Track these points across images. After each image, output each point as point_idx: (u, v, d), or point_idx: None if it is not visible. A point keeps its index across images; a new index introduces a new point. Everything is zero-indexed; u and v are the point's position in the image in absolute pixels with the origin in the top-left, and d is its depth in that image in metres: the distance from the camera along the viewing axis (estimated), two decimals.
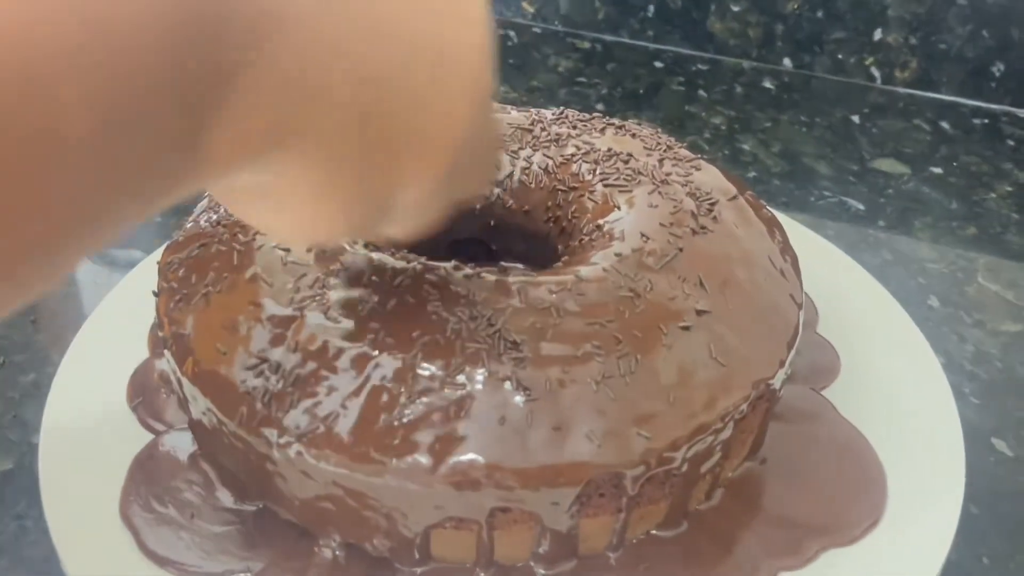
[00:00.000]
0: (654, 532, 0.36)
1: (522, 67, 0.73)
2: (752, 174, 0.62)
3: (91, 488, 0.37)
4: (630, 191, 0.39)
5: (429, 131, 0.26)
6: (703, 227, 0.37)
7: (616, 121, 0.44)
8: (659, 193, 0.39)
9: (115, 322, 0.44)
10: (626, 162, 0.40)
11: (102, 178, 0.19)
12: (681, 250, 0.36)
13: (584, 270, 0.35)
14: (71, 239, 0.20)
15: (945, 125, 0.68)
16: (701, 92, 0.71)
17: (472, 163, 0.29)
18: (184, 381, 0.35)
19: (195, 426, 0.37)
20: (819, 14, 0.71)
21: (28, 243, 0.19)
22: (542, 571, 0.34)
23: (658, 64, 0.75)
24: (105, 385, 0.41)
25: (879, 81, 0.72)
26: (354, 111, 0.24)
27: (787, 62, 0.74)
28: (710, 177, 0.41)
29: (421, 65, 0.25)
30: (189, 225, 0.40)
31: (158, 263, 0.39)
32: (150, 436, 0.39)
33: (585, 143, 0.42)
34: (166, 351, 0.37)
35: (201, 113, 0.21)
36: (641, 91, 0.71)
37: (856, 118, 0.68)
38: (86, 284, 0.51)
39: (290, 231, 0.28)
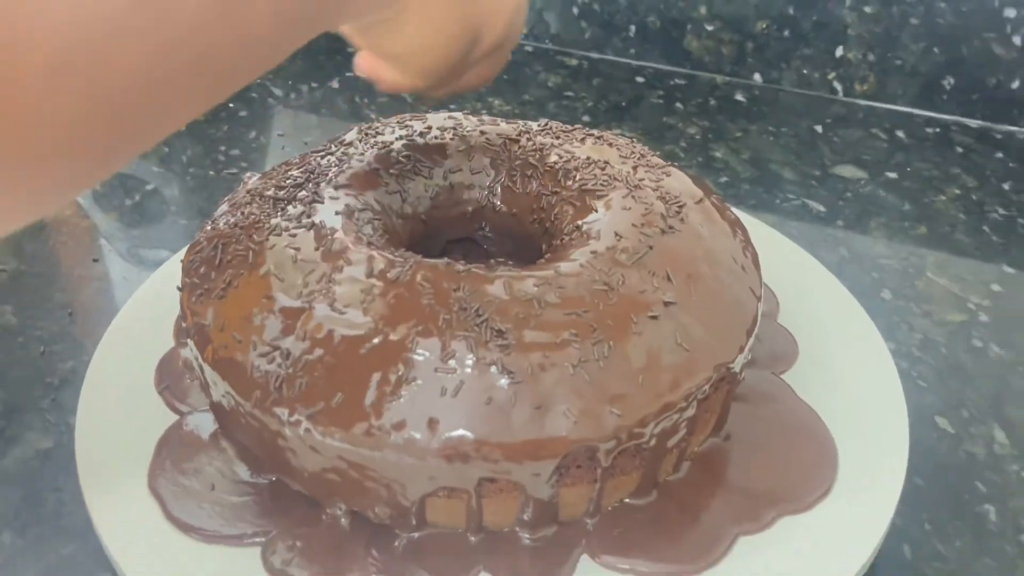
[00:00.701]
0: (627, 500, 0.36)
1: (515, 82, 0.74)
2: (724, 179, 0.62)
3: (122, 463, 0.37)
4: (606, 195, 0.39)
5: None
6: (671, 227, 0.37)
7: (595, 132, 0.45)
8: (632, 197, 0.39)
9: (144, 315, 0.45)
10: (603, 169, 0.41)
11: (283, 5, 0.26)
12: (651, 248, 0.36)
13: (563, 266, 0.35)
14: (256, 60, 0.27)
15: (900, 134, 0.68)
16: (678, 104, 0.71)
17: (514, 36, 0.39)
18: (205, 367, 0.36)
19: (215, 407, 0.38)
20: (786, 33, 0.71)
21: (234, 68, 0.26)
22: (526, 535, 0.35)
23: (639, 79, 0.75)
24: (135, 372, 0.42)
25: (840, 94, 0.72)
26: None
27: (757, 77, 0.74)
28: (679, 182, 0.41)
29: None
30: (209, 227, 0.40)
31: (182, 261, 0.40)
32: (175, 417, 0.40)
33: (567, 152, 0.42)
34: (189, 340, 0.37)
35: None
36: (624, 104, 0.71)
37: (819, 128, 0.68)
38: (117, 280, 0.52)
39: (402, 64, 0.36)
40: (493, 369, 0.32)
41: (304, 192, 0.39)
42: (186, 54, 0.23)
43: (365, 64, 0.37)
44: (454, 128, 0.44)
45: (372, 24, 0.34)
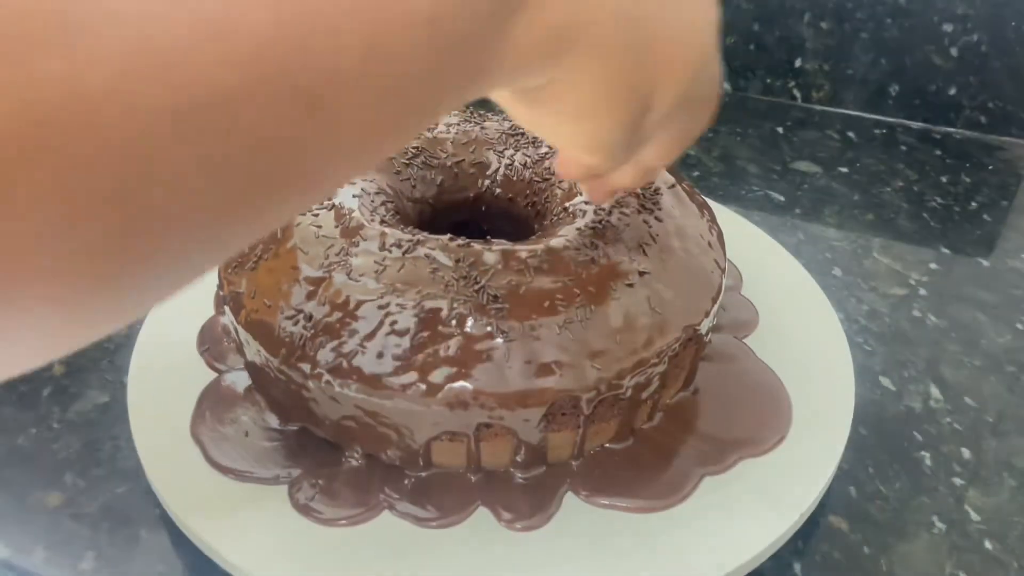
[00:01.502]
0: (607, 445, 0.36)
1: None
2: (696, 173, 0.62)
3: (168, 415, 0.37)
4: None
5: (682, 36, 0.24)
6: (646, 208, 0.37)
7: None
8: None
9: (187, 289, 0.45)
10: None
11: (433, 73, 0.17)
12: (628, 225, 0.36)
13: (552, 241, 0.35)
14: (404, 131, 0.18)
15: (851, 134, 0.67)
16: None
17: (705, 89, 0.27)
18: (239, 329, 0.35)
19: (248, 365, 0.38)
20: (751, 47, 0.70)
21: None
22: (519, 475, 0.35)
23: None
24: (179, 336, 0.42)
25: (799, 100, 0.71)
26: (625, 12, 0.22)
27: (726, 86, 0.73)
28: None
29: None
30: None
31: None
32: (214, 375, 0.40)
33: None
34: (226, 307, 0.37)
35: (512, 16, 0.19)
36: None
37: (780, 129, 0.68)
38: None
39: (568, 138, 0.26)
40: (489, 329, 0.32)
41: None
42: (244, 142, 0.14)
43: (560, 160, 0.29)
44: (458, 124, 0.44)
45: (526, 93, 0.23)
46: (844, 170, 0.62)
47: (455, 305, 0.32)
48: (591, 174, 0.29)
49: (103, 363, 0.44)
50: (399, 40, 0.16)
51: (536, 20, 0.19)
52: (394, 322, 0.32)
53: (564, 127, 0.25)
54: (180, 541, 0.34)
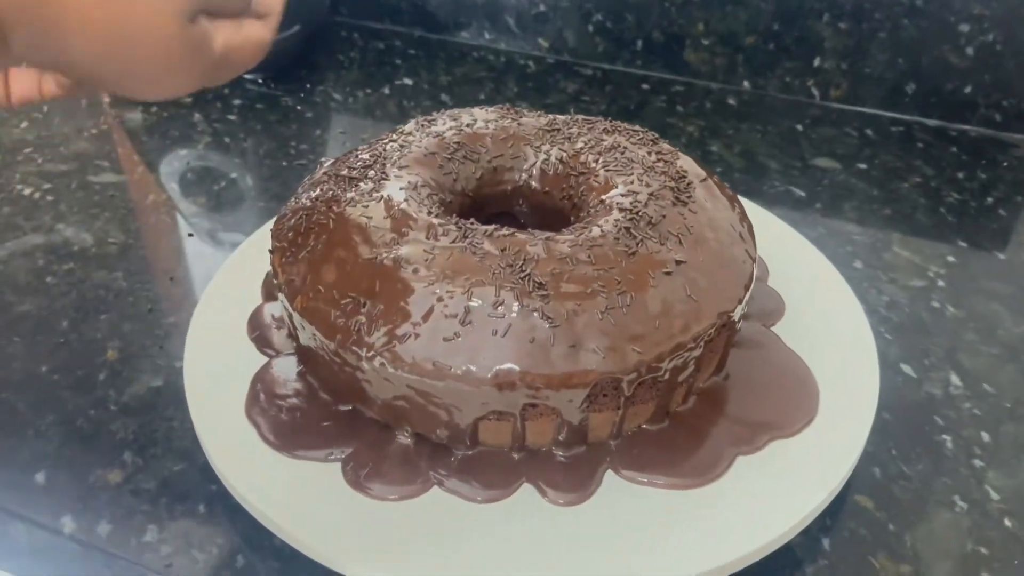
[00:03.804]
0: (644, 426, 0.37)
1: (539, 89, 0.75)
2: (719, 169, 0.63)
3: (223, 396, 0.39)
4: (625, 175, 0.40)
5: None
6: (680, 200, 0.38)
7: (616, 123, 0.46)
8: (647, 176, 0.40)
9: (233, 279, 0.46)
10: (623, 153, 0.42)
11: None
12: (664, 217, 0.37)
13: (592, 231, 0.36)
14: None
15: (869, 132, 0.69)
16: (679, 108, 0.72)
17: None
18: (294, 315, 0.37)
19: (301, 350, 0.39)
20: (771, 46, 0.72)
21: None
22: (560, 453, 0.36)
23: (645, 86, 0.76)
24: (230, 323, 0.43)
25: (818, 98, 0.72)
26: None
27: (746, 84, 0.74)
28: (687, 164, 0.42)
29: None
30: (293, 202, 0.42)
31: (270, 229, 0.41)
32: (265, 359, 0.41)
33: (592, 139, 0.43)
34: (280, 294, 0.39)
35: None
36: (632, 107, 0.72)
37: (800, 127, 0.69)
38: (208, 253, 0.53)
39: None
40: (535, 315, 0.33)
41: (372, 172, 0.41)
42: None
43: None
44: (496, 120, 0.45)
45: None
46: (863, 166, 0.64)
47: (502, 292, 0.34)
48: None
49: (154, 349, 0.45)
50: None
51: None
52: (445, 307, 0.34)
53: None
54: (236, 516, 0.36)
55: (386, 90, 0.75)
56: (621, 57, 0.78)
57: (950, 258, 0.54)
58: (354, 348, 0.34)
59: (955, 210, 0.59)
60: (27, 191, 0.59)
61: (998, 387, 0.44)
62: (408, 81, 0.76)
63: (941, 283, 0.52)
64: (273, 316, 0.43)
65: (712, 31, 0.73)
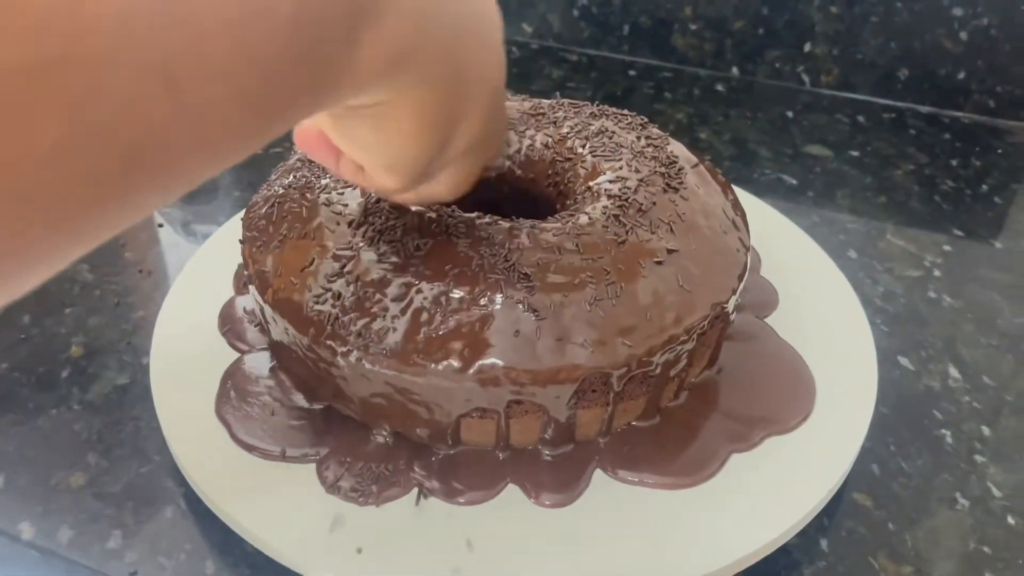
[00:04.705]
0: (634, 423, 0.36)
1: (523, 76, 0.73)
2: (708, 157, 0.62)
3: (192, 394, 0.37)
4: (614, 160, 0.39)
5: (487, 76, 0.27)
6: (671, 187, 0.37)
7: (603, 107, 0.44)
8: (637, 161, 0.38)
9: (204, 270, 0.44)
10: (610, 138, 0.40)
11: (293, 79, 0.18)
12: (655, 204, 0.36)
13: (580, 218, 0.35)
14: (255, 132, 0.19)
15: (861, 119, 0.67)
16: (667, 94, 0.71)
17: (496, 127, 0.30)
18: (266, 308, 0.35)
19: (274, 345, 0.37)
20: (760, 31, 0.70)
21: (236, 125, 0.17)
22: (547, 452, 0.35)
23: (632, 72, 0.74)
24: (199, 317, 0.41)
25: (808, 84, 0.71)
26: (448, 46, 0.24)
27: (735, 70, 0.73)
28: (677, 149, 0.41)
29: (481, 20, 0.26)
30: (265, 189, 0.40)
31: (241, 218, 0.40)
32: (236, 355, 0.39)
33: (578, 124, 0.42)
34: (250, 285, 0.37)
35: (361, 25, 0.20)
36: (618, 94, 0.71)
37: (790, 113, 0.68)
38: (179, 244, 0.51)
39: (373, 156, 0.27)
40: (520, 307, 0.32)
41: None
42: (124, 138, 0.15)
43: (316, 138, 0.29)
44: None
45: (348, 111, 0.25)
46: (855, 154, 0.63)
47: (485, 282, 0.32)
48: (373, 186, 0.30)
49: (121, 345, 0.43)
50: (262, 38, 0.17)
51: (378, 37, 0.21)
52: (425, 299, 0.32)
53: (374, 146, 0.27)
54: (206, 520, 0.34)
55: None
56: (607, 42, 0.76)
57: (946, 247, 0.53)
58: (328, 343, 0.33)
59: (950, 198, 0.58)
60: None
61: (998, 379, 0.43)
62: None
63: (937, 273, 0.50)
64: (245, 309, 0.42)
65: (700, 15, 0.71)
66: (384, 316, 0.32)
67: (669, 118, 0.67)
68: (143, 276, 0.48)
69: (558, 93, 0.70)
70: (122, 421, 0.39)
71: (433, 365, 0.31)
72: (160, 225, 0.53)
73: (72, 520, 0.35)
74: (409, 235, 0.34)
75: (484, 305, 0.32)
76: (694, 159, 0.41)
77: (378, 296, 0.32)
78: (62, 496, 0.36)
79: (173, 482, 0.36)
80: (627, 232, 0.34)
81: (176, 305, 0.42)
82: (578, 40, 0.77)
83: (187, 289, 0.43)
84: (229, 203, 0.55)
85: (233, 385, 0.37)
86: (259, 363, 0.39)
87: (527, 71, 0.74)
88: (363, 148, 0.27)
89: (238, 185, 0.57)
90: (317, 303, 0.33)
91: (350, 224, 0.35)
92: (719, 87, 0.72)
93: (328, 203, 0.36)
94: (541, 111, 0.44)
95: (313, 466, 0.34)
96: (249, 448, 0.35)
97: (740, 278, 0.36)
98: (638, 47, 0.75)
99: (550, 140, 0.42)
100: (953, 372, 0.43)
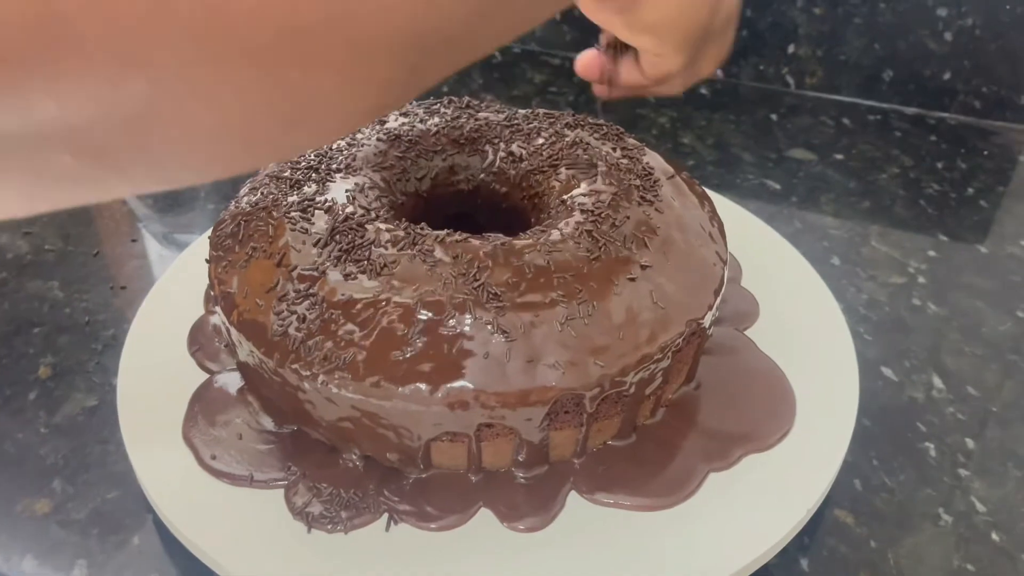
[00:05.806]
0: (610, 442, 0.35)
1: (505, 80, 0.72)
2: (691, 162, 0.61)
3: (159, 417, 0.36)
4: (588, 172, 0.38)
5: None
6: (646, 199, 0.36)
7: (579, 117, 0.43)
8: (612, 173, 0.38)
9: (176, 287, 0.44)
10: (585, 149, 0.39)
11: None
12: (628, 218, 0.35)
13: (551, 235, 0.34)
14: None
15: (845, 121, 0.67)
16: (649, 98, 0.70)
17: (735, 8, 0.34)
18: (231, 329, 0.34)
19: (241, 366, 0.37)
20: (743, 33, 0.70)
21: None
22: (521, 475, 0.34)
23: None
24: (169, 337, 0.41)
25: (792, 87, 0.70)
26: None
27: (718, 72, 0.72)
28: (653, 160, 0.40)
29: None
30: (232, 207, 0.39)
31: (209, 237, 0.39)
32: (206, 376, 0.39)
33: (553, 135, 0.41)
34: (216, 306, 0.36)
35: None
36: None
37: (774, 116, 0.67)
38: (153, 259, 0.51)
39: (667, 32, 0.31)
40: (489, 328, 0.31)
41: (317, 173, 0.38)
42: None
43: (597, 60, 0.35)
44: (452, 116, 0.43)
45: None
46: (839, 157, 0.62)
47: (454, 303, 0.32)
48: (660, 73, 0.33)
49: (90, 365, 0.43)
50: None
51: None
52: (391, 321, 0.31)
53: (656, 24, 0.30)
54: (173, 547, 0.34)
55: None
56: (589, 46, 0.75)
57: (931, 252, 0.52)
58: (293, 367, 0.32)
59: (935, 202, 0.57)
60: None
61: (982, 389, 0.42)
62: None
63: (922, 279, 0.50)
64: (214, 328, 0.41)
65: None
66: (350, 338, 0.31)
67: (652, 122, 0.66)
68: (115, 293, 0.47)
69: (539, 100, 0.69)
70: (89, 445, 0.38)
71: (401, 389, 0.31)
72: (133, 240, 0.52)
73: (36, 549, 0.34)
74: (377, 254, 0.33)
75: (453, 326, 0.31)
76: (671, 170, 0.40)
77: (344, 318, 0.32)
78: (26, 524, 0.35)
79: (140, 508, 0.35)
80: (600, 248, 0.34)
81: (146, 324, 0.41)
82: (560, 44, 0.76)
83: (157, 308, 0.42)
84: (205, 216, 0.54)
85: (200, 408, 0.37)
86: (228, 384, 0.38)
87: (509, 76, 0.73)
88: (646, 28, 0.31)
89: (213, 196, 0.56)
90: (282, 325, 0.32)
91: (316, 243, 0.34)
92: (702, 90, 0.71)
93: (294, 221, 0.35)
94: (516, 122, 0.43)
95: (281, 491, 0.33)
96: (216, 474, 0.34)
97: (717, 293, 0.35)
98: None
99: (524, 152, 0.41)
100: (937, 382, 0.42)
